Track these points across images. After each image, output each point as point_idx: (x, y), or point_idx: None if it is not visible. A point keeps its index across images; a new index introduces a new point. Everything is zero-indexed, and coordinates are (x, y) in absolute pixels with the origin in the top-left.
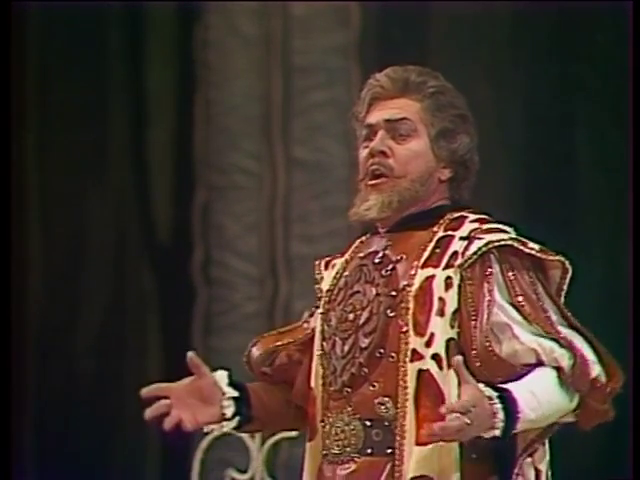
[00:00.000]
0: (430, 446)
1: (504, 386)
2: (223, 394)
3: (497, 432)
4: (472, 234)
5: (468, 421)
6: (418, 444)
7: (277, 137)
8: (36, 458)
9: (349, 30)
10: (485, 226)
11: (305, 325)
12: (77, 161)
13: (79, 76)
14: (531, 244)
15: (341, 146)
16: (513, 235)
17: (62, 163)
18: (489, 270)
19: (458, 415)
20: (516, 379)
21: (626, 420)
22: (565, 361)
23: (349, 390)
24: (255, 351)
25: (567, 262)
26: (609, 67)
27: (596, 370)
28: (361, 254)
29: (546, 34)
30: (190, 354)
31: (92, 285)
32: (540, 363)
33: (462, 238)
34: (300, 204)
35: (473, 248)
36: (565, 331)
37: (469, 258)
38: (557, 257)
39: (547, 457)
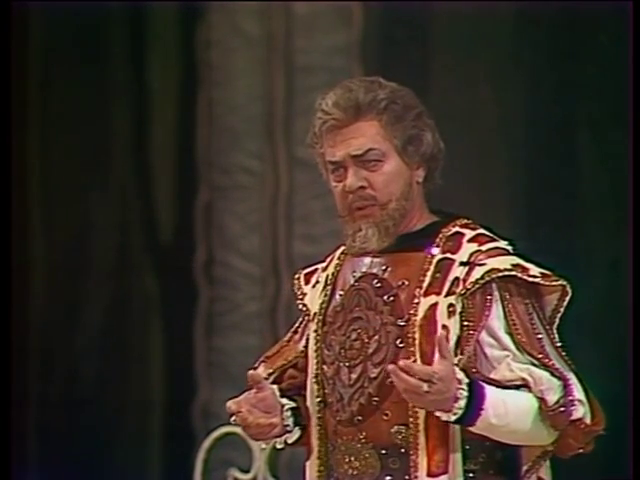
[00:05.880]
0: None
1: (479, 381)
2: (282, 406)
3: (452, 418)
4: (472, 258)
5: (426, 388)
6: (429, 475)
7: (280, 137)
8: (37, 459)
9: (352, 30)
10: (484, 247)
11: (294, 345)
12: (79, 161)
13: (81, 76)
14: (532, 270)
15: None
16: (514, 260)
17: (64, 163)
18: (489, 298)
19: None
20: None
21: (626, 420)
22: (550, 395)
23: (360, 419)
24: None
25: (568, 286)
26: (610, 67)
27: (580, 411)
28: (354, 273)
29: (548, 34)
30: (251, 372)
31: (94, 285)
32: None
33: (462, 263)
34: (302, 204)
35: (475, 275)
36: (559, 364)
37: (471, 287)
38: (559, 282)
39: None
